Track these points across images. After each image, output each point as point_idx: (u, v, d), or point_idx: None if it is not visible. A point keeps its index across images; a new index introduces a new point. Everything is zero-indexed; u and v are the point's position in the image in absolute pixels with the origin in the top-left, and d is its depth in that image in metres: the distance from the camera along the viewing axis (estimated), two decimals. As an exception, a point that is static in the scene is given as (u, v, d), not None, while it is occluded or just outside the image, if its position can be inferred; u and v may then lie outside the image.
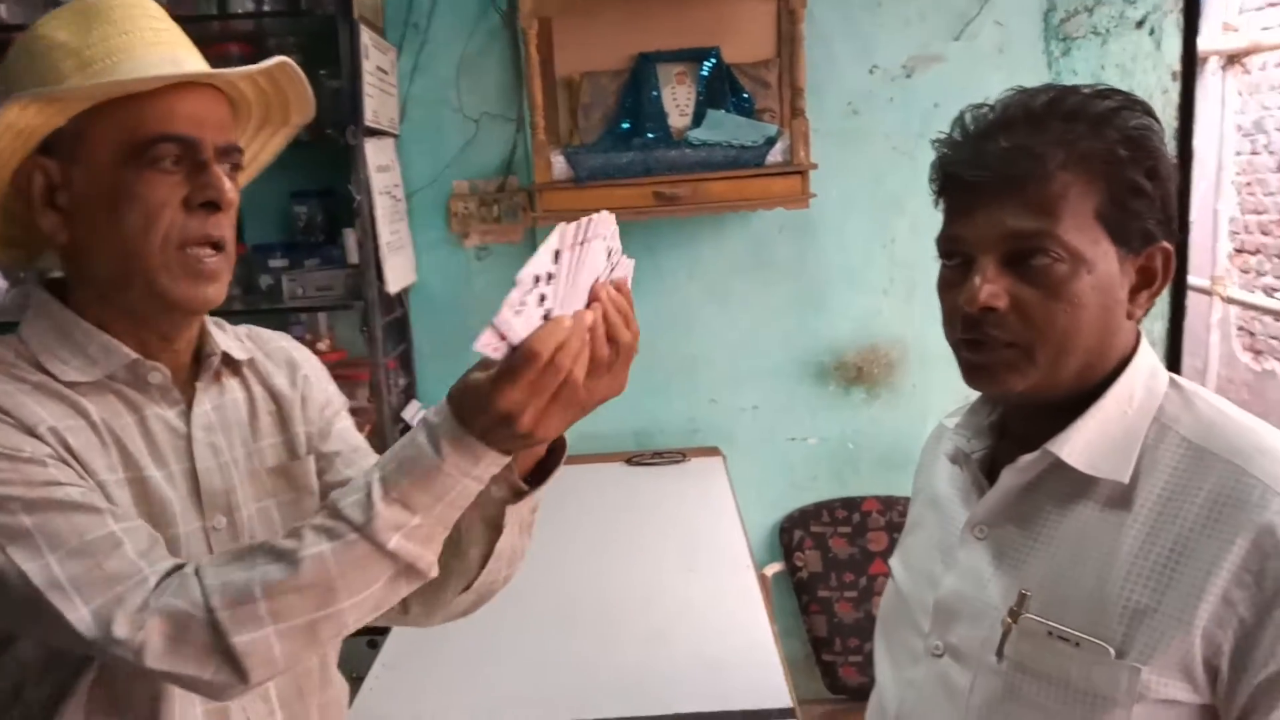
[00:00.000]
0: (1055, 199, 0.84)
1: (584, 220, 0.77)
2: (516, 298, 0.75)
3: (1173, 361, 2.57)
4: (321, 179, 2.40)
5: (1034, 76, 0.79)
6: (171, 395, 0.98)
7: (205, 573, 0.83)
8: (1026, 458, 0.90)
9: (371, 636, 1.74)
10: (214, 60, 0.96)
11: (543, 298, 0.76)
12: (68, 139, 0.89)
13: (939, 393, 2.60)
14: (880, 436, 2.67)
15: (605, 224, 0.80)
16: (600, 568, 1.90)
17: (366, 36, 2.16)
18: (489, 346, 0.74)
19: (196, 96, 0.91)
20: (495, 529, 0.94)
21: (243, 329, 1.10)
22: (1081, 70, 2.43)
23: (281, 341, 1.14)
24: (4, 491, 0.84)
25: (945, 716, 0.93)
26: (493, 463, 0.81)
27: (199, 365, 1.01)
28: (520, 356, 0.75)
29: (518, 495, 0.92)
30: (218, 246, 0.93)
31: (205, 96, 0.93)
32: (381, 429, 2.26)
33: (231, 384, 1.05)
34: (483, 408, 0.77)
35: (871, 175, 2.53)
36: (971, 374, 0.91)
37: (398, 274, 2.36)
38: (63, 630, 0.82)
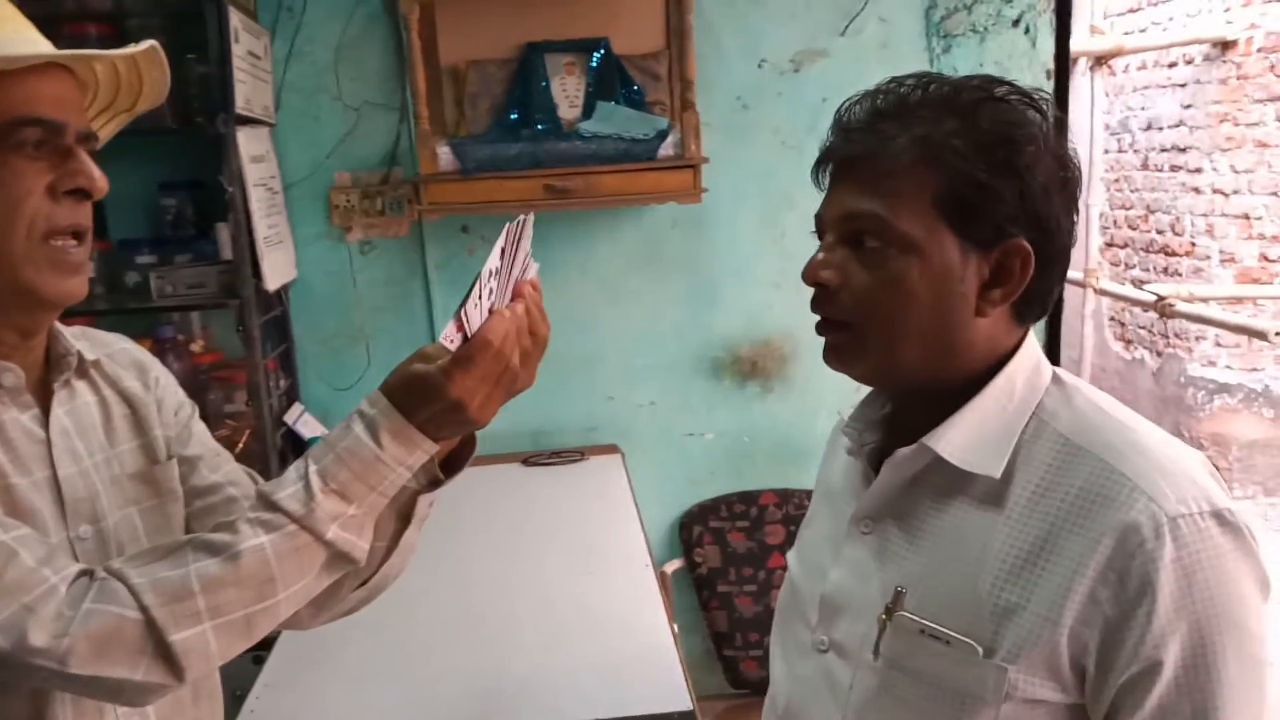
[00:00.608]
0: (891, 184, 0.84)
1: (522, 218, 0.87)
2: (477, 293, 0.82)
3: (1051, 352, 2.66)
4: (191, 170, 2.26)
5: (915, 70, 0.80)
6: (24, 398, 0.91)
7: (128, 573, 0.81)
8: (902, 451, 0.90)
9: (256, 652, 1.66)
10: (69, 43, 0.89)
11: (490, 292, 0.84)
12: None
13: (830, 386, 2.62)
14: (775, 429, 2.68)
15: (529, 225, 0.89)
16: (496, 573, 1.84)
17: (236, 19, 2.05)
18: (449, 339, 0.83)
19: (57, 79, 0.87)
20: (405, 519, 0.98)
21: (76, 329, 1.03)
22: (962, 67, 2.48)
23: (123, 343, 1.08)
24: None
25: (827, 712, 0.93)
26: (425, 452, 0.86)
27: (49, 367, 0.95)
28: (476, 346, 0.82)
29: (432, 485, 0.96)
30: (79, 237, 0.88)
31: (64, 79, 0.88)
32: (262, 433, 2.15)
33: (80, 386, 0.99)
34: (432, 396, 0.84)
35: (762, 169, 2.54)
36: (824, 354, 0.93)
37: (276, 270, 2.24)
38: None
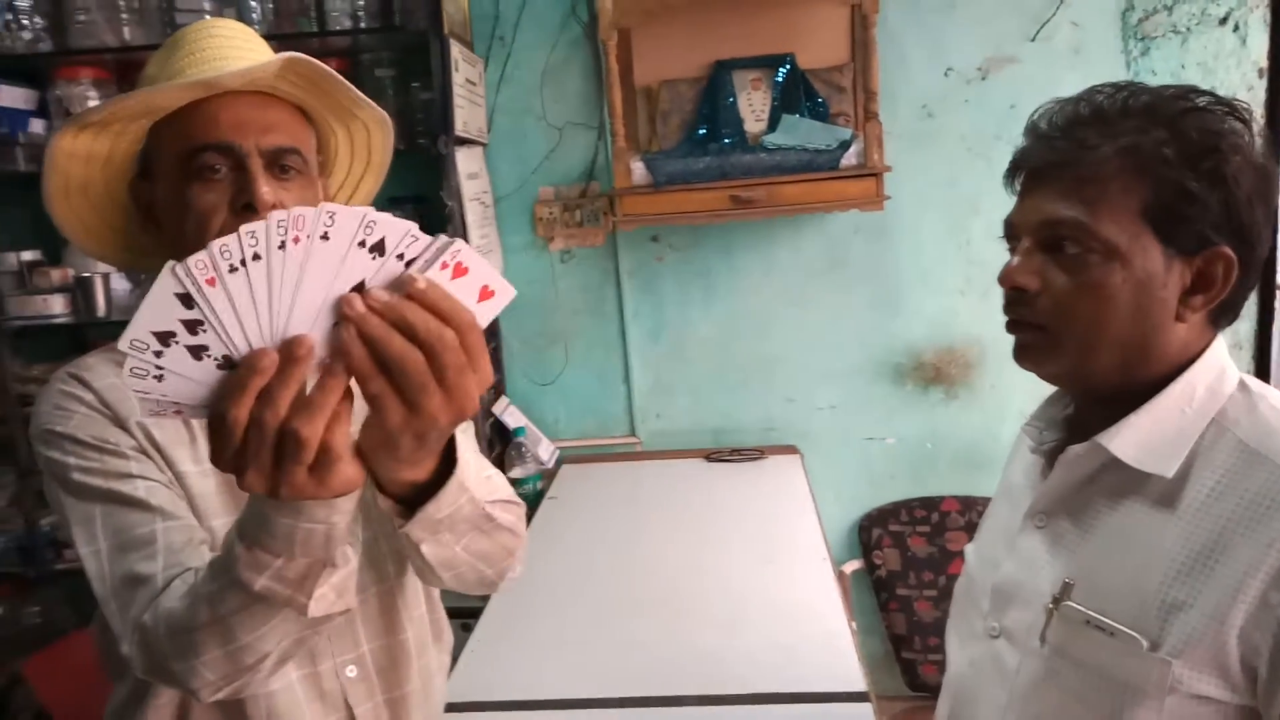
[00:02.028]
0: (1095, 191, 0.86)
1: (243, 232, 0.61)
2: (132, 364, 0.62)
3: (1260, 364, 2.52)
4: (415, 186, 2.53)
5: (1111, 77, 0.81)
6: None
7: (168, 595, 0.87)
8: (1075, 449, 0.93)
9: (465, 620, 1.85)
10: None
11: (201, 349, 0.62)
12: (151, 160, 0.99)
13: (1018, 393, 2.61)
14: (959, 436, 2.68)
15: (347, 218, 0.62)
16: (682, 556, 1.97)
17: (456, 50, 2.28)
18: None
19: (240, 103, 0.95)
20: (413, 546, 0.90)
21: None
22: (1161, 70, 2.41)
23: None
24: (85, 480, 0.95)
25: (995, 695, 0.98)
26: (314, 510, 0.72)
27: None
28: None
29: (405, 516, 0.84)
30: None
31: (249, 102, 0.96)
32: (475, 423, 2.37)
33: None
34: None
35: (946, 177, 2.55)
36: (1014, 352, 0.96)
37: (486, 277, 2.47)
38: (111, 618, 0.92)
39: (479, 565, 0.99)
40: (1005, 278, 0.92)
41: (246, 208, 0.94)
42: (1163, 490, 0.88)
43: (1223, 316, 0.90)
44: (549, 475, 2.58)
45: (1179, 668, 0.82)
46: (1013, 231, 0.95)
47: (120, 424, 0.98)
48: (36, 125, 2.35)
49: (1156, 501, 0.88)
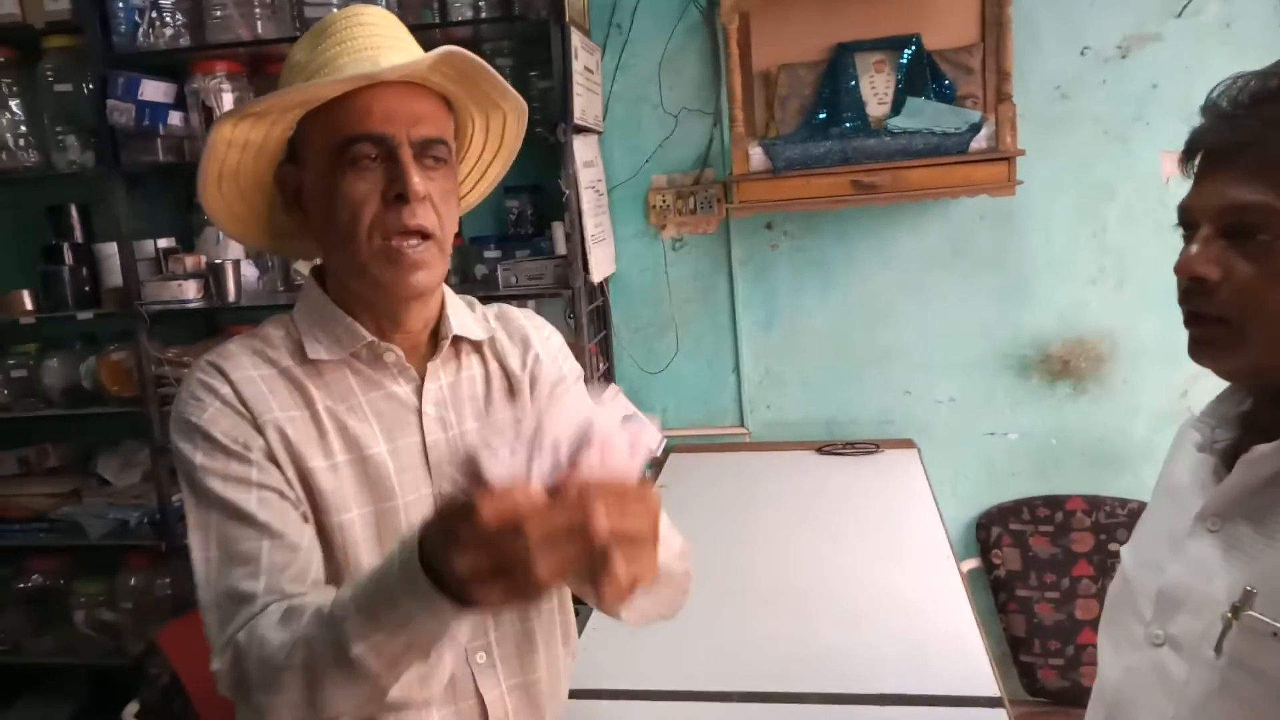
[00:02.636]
0: (1276, 169, 0.81)
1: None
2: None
3: None
4: (531, 175, 2.55)
5: (1264, 55, 0.74)
6: (407, 373, 1.08)
7: (265, 619, 0.91)
8: (1261, 449, 0.87)
9: (579, 604, 1.86)
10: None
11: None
12: (300, 146, 1.01)
13: (1152, 389, 2.47)
14: (1087, 433, 2.56)
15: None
16: (793, 549, 1.94)
17: (576, 38, 2.28)
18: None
19: (390, 94, 0.97)
20: None
21: (493, 309, 1.20)
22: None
23: (522, 320, 1.21)
24: (206, 482, 0.97)
25: (1161, 706, 0.92)
26: (443, 612, 0.74)
27: (436, 344, 1.10)
28: (468, 519, 0.67)
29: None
30: (425, 235, 0.99)
31: (399, 93, 0.98)
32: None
33: (470, 361, 1.14)
34: (439, 556, 0.72)
35: (1079, 161, 2.43)
36: (1190, 347, 0.90)
37: (600, 264, 2.47)
38: (207, 626, 0.95)
39: (661, 609, 1.13)
40: (1183, 266, 0.87)
41: (398, 198, 0.97)
42: None
43: None
44: (657, 464, 2.57)
45: None
46: (1189, 218, 0.89)
47: (253, 419, 1.00)
48: (175, 118, 2.44)
49: None
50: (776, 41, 2.42)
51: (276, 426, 1.01)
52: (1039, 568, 2.51)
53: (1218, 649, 0.87)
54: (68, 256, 2.56)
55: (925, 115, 2.27)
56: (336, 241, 1.01)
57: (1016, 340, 2.56)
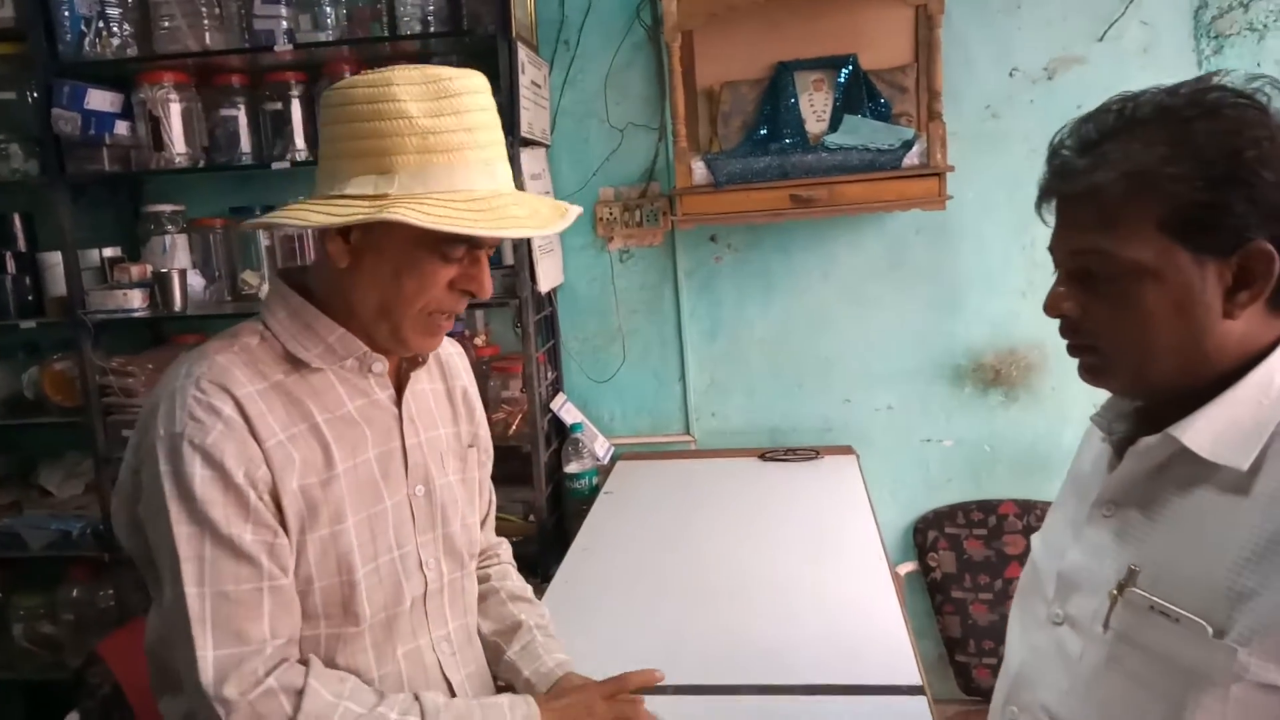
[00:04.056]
0: (1110, 216, 0.87)
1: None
2: None
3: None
4: (479, 187, 2.58)
5: (1182, 77, 0.79)
6: (385, 382, 1.14)
7: (310, 676, 1.01)
8: (1146, 441, 0.93)
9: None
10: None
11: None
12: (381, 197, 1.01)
13: (1080, 396, 2.56)
14: (1018, 439, 2.65)
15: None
16: (733, 551, 1.98)
17: (523, 53, 2.33)
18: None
19: None
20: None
21: None
22: (1236, 69, 2.36)
23: (453, 349, 1.32)
24: (206, 510, 0.98)
25: (1057, 679, 0.98)
26: None
27: (404, 359, 1.17)
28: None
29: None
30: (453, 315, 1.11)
31: None
32: (532, 417, 2.42)
33: (426, 375, 1.23)
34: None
35: (1010, 178, 2.53)
36: (1078, 372, 0.97)
37: (548, 275, 2.52)
38: (189, 661, 0.97)
39: None
40: (1047, 307, 0.95)
41: (466, 293, 1.07)
42: (1235, 480, 0.87)
43: None
44: (604, 471, 2.61)
45: (1245, 655, 0.81)
46: (1054, 258, 0.96)
47: (258, 443, 1.01)
48: (121, 127, 2.45)
49: (1227, 490, 0.87)
50: (719, 59, 2.49)
51: (281, 447, 1.03)
52: (973, 570, 2.59)
53: (1105, 624, 0.93)
54: (10, 265, 2.54)
55: (861, 132, 2.36)
56: (384, 299, 1.06)
57: (951, 350, 2.65)
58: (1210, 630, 0.83)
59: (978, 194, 2.53)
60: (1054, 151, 0.94)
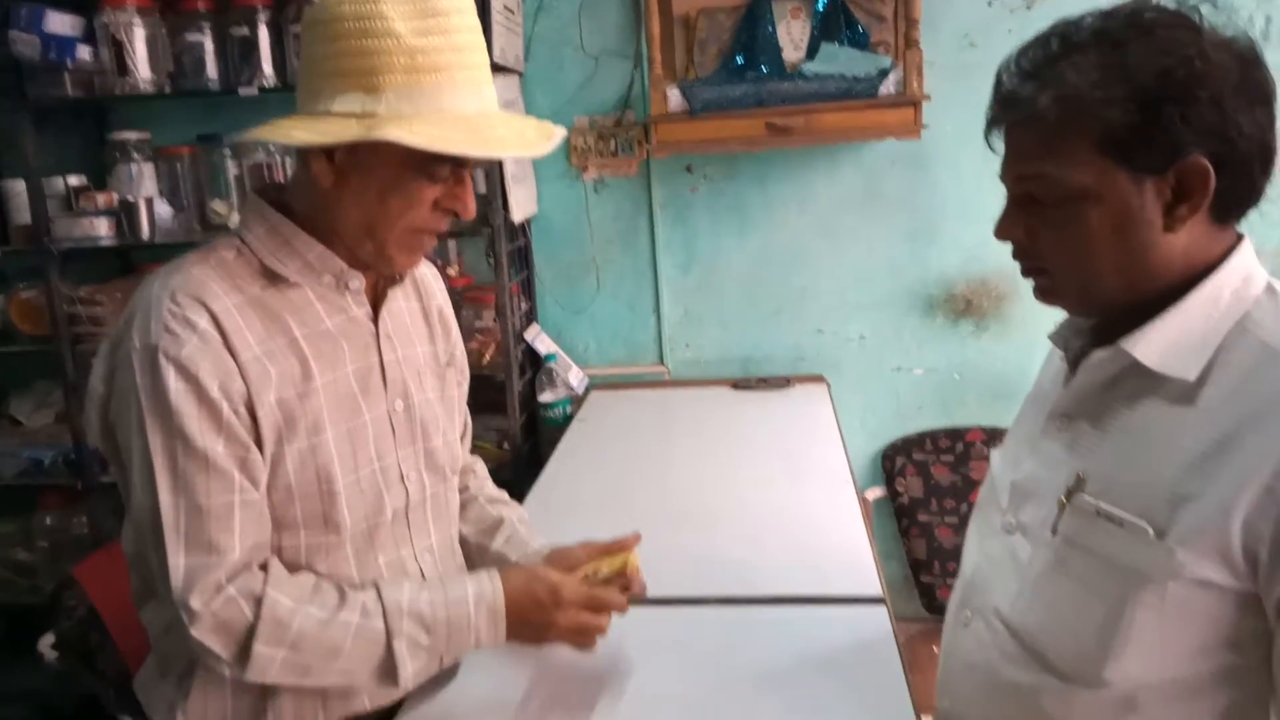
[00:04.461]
0: (1048, 142, 0.89)
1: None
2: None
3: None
4: (451, 114, 2.55)
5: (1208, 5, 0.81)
6: (362, 299, 1.15)
7: (267, 585, 1.02)
8: (1098, 354, 0.96)
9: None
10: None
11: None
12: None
13: (1047, 326, 2.58)
14: (988, 368, 2.69)
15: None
16: (704, 476, 2.02)
17: (495, -25, 2.28)
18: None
19: None
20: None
21: None
22: (1211, -5, 2.35)
23: (427, 269, 1.33)
24: (182, 425, 0.99)
25: (1008, 583, 1.02)
26: (498, 640, 1.12)
27: (380, 276, 1.18)
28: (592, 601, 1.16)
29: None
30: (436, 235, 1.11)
31: None
32: (505, 347, 2.43)
33: (402, 293, 1.24)
34: (535, 626, 1.14)
35: (987, 107, 2.52)
36: (1034, 293, 1.00)
37: (521, 204, 2.50)
38: (162, 570, 1.00)
39: None
40: (998, 232, 0.97)
41: (450, 211, 1.08)
42: (1182, 390, 0.90)
43: (1228, 212, 0.90)
44: (578, 401, 2.63)
45: (1182, 554, 0.85)
46: (1004, 184, 0.98)
47: (234, 356, 1.02)
48: (84, 52, 2.39)
49: (1174, 401, 0.90)
50: (696, -15, 2.46)
51: (257, 361, 1.03)
52: (940, 495, 2.65)
53: (1054, 530, 0.96)
54: (-28, 192, 2.50)
55: (838, 61, 2.34)
56: (370, 218, 1.06)
57: (924, 280, 2.67)
58: (1151, 532, 0.87)
59: (955, 124, 2.52)
60: (998, 80, 0.96)
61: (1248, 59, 0.87)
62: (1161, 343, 0.91)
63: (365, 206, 1.05)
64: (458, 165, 1.05)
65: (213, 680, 1.09)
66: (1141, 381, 0.93)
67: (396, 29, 0.97)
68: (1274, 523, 0.81)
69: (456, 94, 1.00)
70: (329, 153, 1.03)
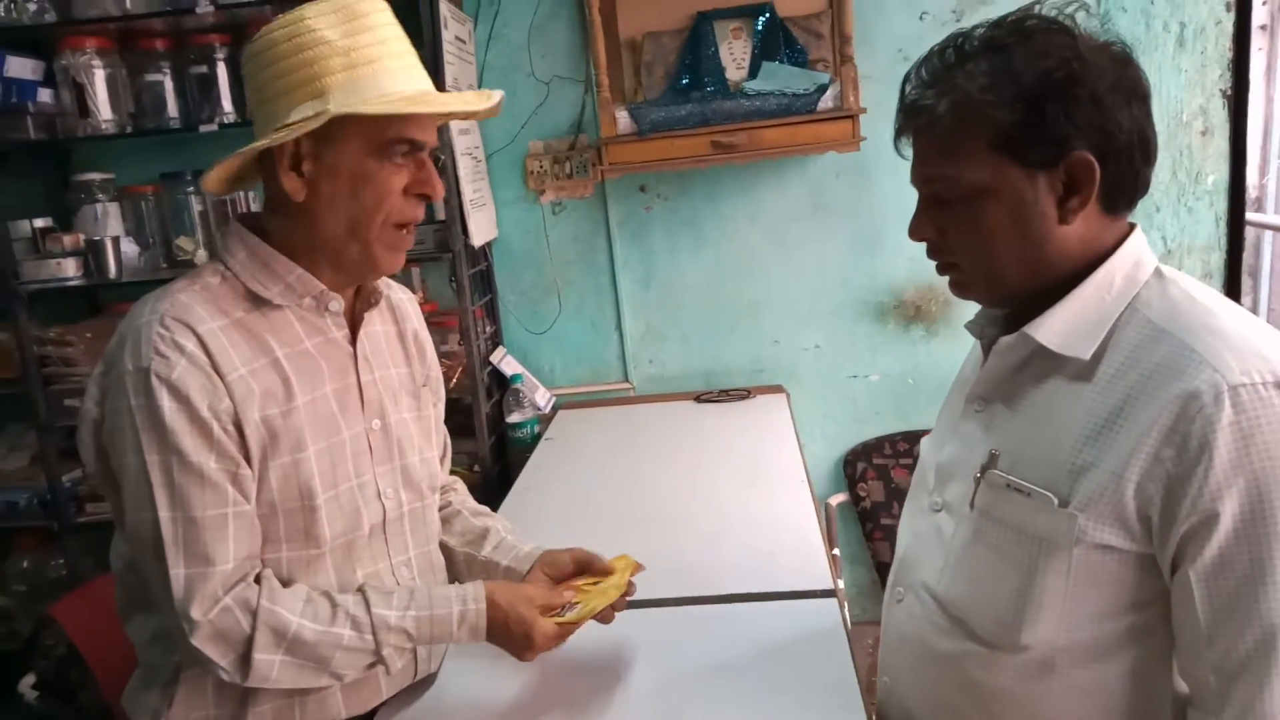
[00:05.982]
0: (945, 144, 0.97)
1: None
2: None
3: (1231, 292, 2.60)
4: (409, 144, 2.61)
5: (1085, 14, 0.88)
6: (340, 321, 1.21)
7: (263, 595, 1.08)
8: (1006, 339, 1.04)
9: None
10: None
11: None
12: (326, 125, 1.06)
13: (996, 327, 2.69)
14: (939, 371, 2.77)
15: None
16: (667, 485, 2.08)
17: (445, 8, 2.36)
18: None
19: None
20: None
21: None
22: (1131, 6, 2.47)
23: (403, 294, 1.39)
24: (175, 439, 1.04)
25: (934, 558, 1.09)
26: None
27: (359, 300, 1.24)
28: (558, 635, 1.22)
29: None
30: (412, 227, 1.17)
31: None
32: (472, 370, 2.48)
33: (378, 316, 1.30)
34: (517, 643, 1.20)
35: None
36: (949, 287, 1.08)
37: (481, 229, 2.56)
38: (162, 581, 1.05)
39: None
40: (911, 232, 1.05)
41: (420, 195, 1.13)
42: (1080, 368, 0.97)
43: (1115, 202, 0.98)
44: (546, 420, 2.68)
45: (1084, 520, 0.92)
46: (915, 187, 1.06)
47: (220, 376, 1.07)
48: (44, 95, 2.44)
49: (1074, 379, 0.98)
50: (640, 9, 2.54)
51: (242, 381, 1.09)
52: (900, 497, 2.68)
53: (971, 504, 1.04)
54: (-63, 237, 2.52)
55: (778, 78, 2.43)
56: (347, 218, 1.12)
57: (874, 288, 2.76)
58: (1055, 501, 0.94)
59: (892, 134, 2.60)
60: (902, 90, 1.03)
61: (1121, 59, 0.95)
62: (1061, 326, 0.99)
63: (342, 208, 1.11)
64: (415, 148, 1.11)
65: (196, 688, 1.14)
66: (1046, 363, 1.01)
67: (328, 36, 1.06)
68: (1163, 487, 0.88)
69: (395, 78, 1.07)
70: (297, 168, 1.10)
